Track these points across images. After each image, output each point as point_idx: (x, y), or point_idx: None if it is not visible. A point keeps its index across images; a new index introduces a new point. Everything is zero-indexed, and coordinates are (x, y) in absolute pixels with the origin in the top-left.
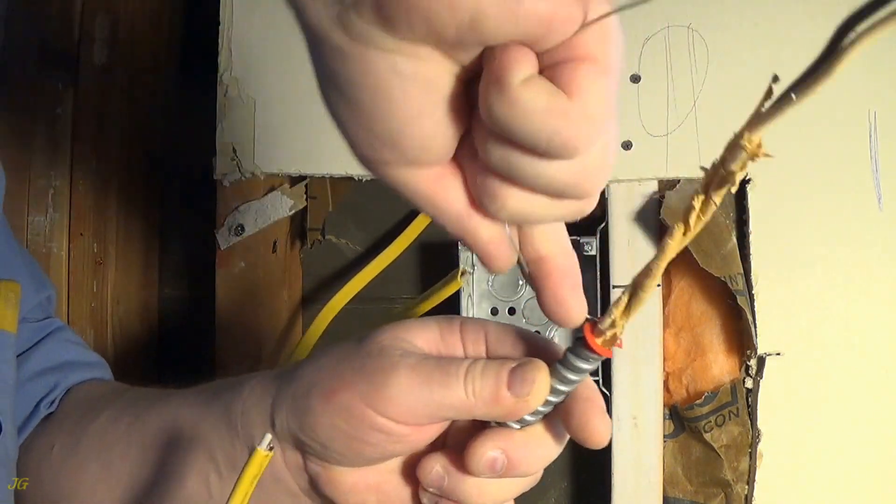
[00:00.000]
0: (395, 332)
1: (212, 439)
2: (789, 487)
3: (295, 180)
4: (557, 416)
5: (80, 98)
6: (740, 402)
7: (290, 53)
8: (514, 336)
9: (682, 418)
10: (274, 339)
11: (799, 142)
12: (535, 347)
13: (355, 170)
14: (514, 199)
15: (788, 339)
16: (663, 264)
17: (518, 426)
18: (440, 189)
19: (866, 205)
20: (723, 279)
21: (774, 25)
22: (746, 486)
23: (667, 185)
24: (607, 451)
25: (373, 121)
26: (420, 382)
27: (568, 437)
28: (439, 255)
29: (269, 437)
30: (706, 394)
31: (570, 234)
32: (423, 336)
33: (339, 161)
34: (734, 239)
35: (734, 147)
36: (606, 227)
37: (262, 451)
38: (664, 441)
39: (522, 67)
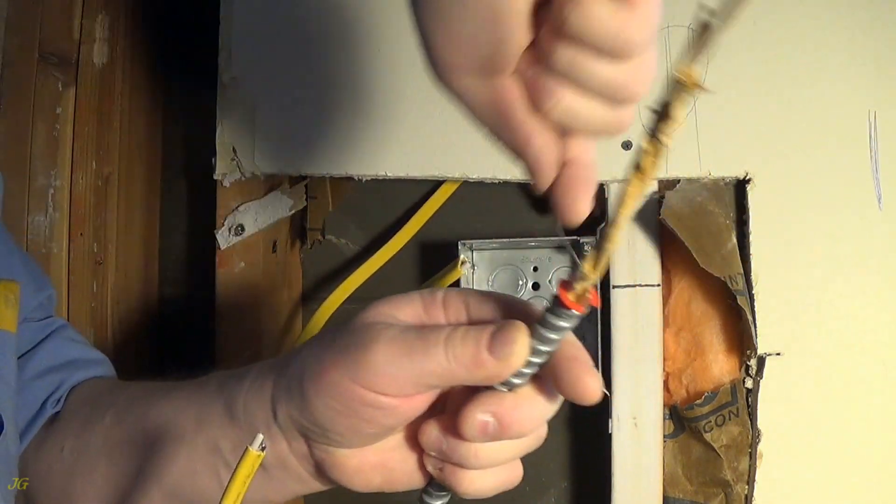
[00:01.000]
0: (379, 309)
1: (217, 435)
2: (789, 487)
3: (295, 180)
4: (548, 377)
5: (80, 98)
6: (740, 402)
7: (290, 53)
8: (494, 302)
9: (682, 418)
10: (274, 339)
11: (799, 142)
12: (514, 311)
13: (355, 170)
14: (570, 98)
15: (788, 339)
16: (627, 212)
17: (506, 389)
18: (502, 97)
19: (866, 205)
20: (723, 279)
21: (774, 25)
22: (746, 486)
23: (667, 185)
24: (607, 451)
25: (452, 22)
26: (401, 353)
27: (560, 396)
28: (439, 255)
29: (260, 437)
30: (706, 394)
31: (570, 234)
32: (406, 309)
33: (339, 161)
34: (734, 239)
35: (673, 83)
36: (606, 226)
37: (253, 451)
38: (664, 441)
39: None
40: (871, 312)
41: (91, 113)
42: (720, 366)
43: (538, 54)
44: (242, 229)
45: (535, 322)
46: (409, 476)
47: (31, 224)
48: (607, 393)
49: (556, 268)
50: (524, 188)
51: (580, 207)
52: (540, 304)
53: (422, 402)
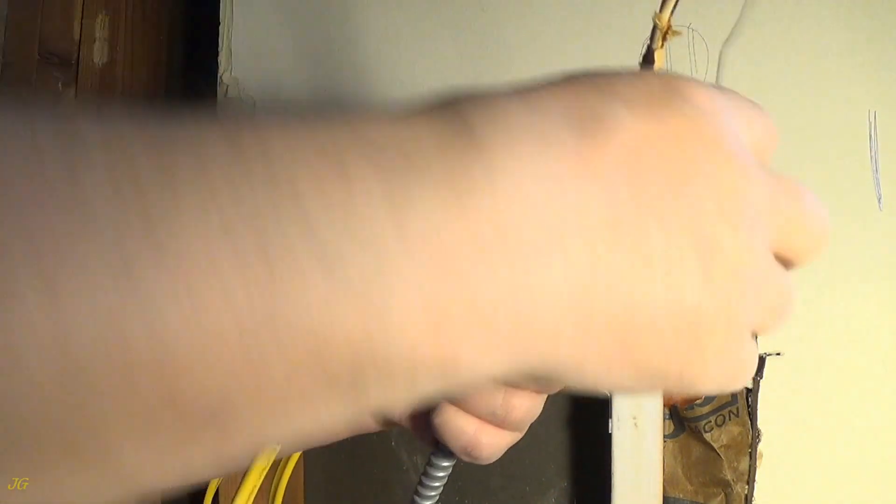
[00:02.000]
0: None
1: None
2: (789, 487)
3: None
4: None
5: (80, 98)
6: (740, 402)
7: (290, 54)
8: None
9: (682, 418)
10: None
11: (799, 142)
12: None
13: None
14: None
15: (788, 339)
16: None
17: None
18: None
19: (866, 205)
20: None
21: (775, 25)
22: (746, 486)
23: None
24: (607, 451)
25: None
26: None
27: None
28: None
29: None
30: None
31: None
32: None
33: None
34: None
35: (653, 30)
36: None
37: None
38: (664, 441)
39: None
40: (871, 312)
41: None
42: None
43: None
44: None
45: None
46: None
47: None
48: (608, 393)
49: None
50: None
51: None
52: None
53: None
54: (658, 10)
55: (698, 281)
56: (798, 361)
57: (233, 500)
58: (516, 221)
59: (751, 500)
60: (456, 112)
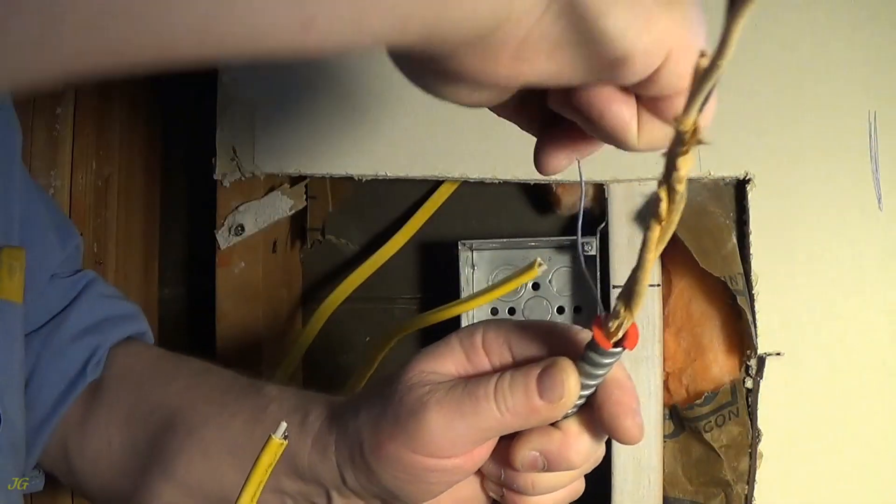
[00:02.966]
0: (421, 366)
1: (284, 484)
2: (789, 487)
3: (295, 180)
4: (594, 415)
5: (80, 98)
6: (740, 402)
7: None
8: (535, 333)
9: (682, 418)
10: (274, 339)
11: (799, 142)
12: (557, 340)
13: (355, 170)
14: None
15: (788, 339)
16: (651, 256)
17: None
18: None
19: (866, 205)
20: (723, 279)
21: (774, 25)
22: (746, 486)
23: None
24: (607, 451)
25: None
26: (453, 415)
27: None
28: (439, 255)
29: (283, 425)
30: (706, 394)
31: (570, 234)
32: (447, 362)
33: (339, 161)
34: (734, 239)
35: (675, 134)
36: (606, 226)
37: (276, 439)
38: (664, 441)
39: None
40: (871, 312)
41: (91, 113)
42: (720, 366)
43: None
44: (242, 229)
45: (579, 358)
46: (477, 500)
47: None
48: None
49: (556, 268)
50: (524, 188)
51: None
52: (564, 319)
53: (484, 451)
54: (680, 116)
55: None
56: (798, 361)
57: (238, 496)
58: None
59: (751, 501)
60: None
